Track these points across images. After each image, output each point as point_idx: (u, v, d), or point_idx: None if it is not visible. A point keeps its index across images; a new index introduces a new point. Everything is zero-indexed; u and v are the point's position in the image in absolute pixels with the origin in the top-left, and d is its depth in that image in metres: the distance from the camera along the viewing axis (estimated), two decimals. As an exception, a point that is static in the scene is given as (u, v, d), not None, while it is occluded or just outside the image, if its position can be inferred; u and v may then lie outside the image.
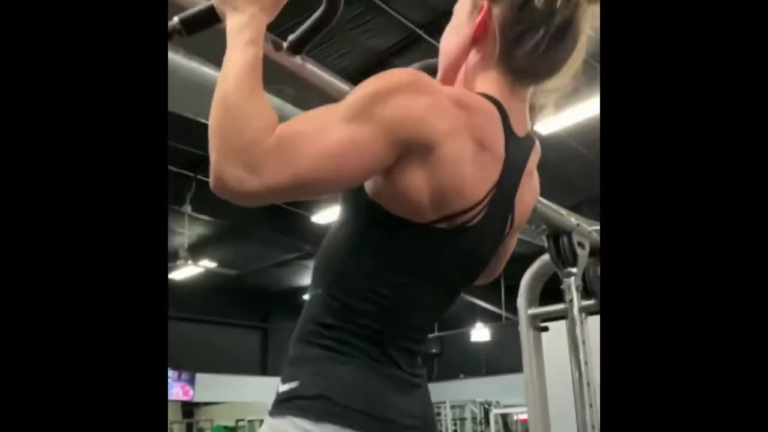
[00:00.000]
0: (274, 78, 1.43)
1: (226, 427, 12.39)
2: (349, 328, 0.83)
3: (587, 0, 0.85)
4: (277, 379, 0.86)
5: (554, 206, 1.88)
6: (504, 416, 11.26)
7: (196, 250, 9.33)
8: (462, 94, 0.83)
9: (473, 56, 0.89)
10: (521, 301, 2.36)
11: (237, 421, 12.54)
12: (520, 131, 0.87)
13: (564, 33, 0.85)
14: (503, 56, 0.87)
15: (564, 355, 1.95)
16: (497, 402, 11.65)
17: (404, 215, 0.80)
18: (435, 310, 0.91)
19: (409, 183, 0.77)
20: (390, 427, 0.81)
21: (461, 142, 0.78)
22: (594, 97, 4.94)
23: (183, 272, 9.93)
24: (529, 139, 0.90)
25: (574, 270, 1.93)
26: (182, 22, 0.93)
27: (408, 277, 0.84)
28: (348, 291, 0.84)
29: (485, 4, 0.88)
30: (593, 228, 1.97)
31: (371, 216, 0.82)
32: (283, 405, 0.81)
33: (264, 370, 13.67)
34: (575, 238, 1.92)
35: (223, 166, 0.72)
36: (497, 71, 0.87)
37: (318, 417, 0.78)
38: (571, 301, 1.95)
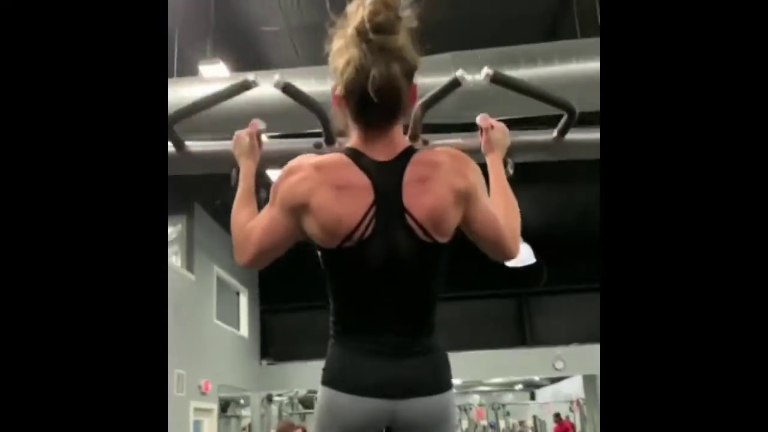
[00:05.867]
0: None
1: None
2: (334, 322, 1.26)
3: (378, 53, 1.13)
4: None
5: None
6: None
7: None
8: (321, 159, 1.23)
9: (348, 120, 1.27)
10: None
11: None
12: (383, 157, 1.22)
13: (367, 95, 1.14)
14: (351, 119, 1.24)
15: None
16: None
17: (324, 246, 1.22)
18: (400, 302, 1.23)
19: (311, 228, 1.21)
20: (357, 384, 1.19)
21: (322, 193, 1.18)
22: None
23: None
24: (402, 158, 1.22)
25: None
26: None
27: (349, 283, 1.24)
28: (330, 296, 1.27)
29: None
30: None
31: (317, 248, 1.25)
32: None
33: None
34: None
35: (234, 252, 1.30)
36: (355, 127, 1.25)
37: (322, 382, 1.23)
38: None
